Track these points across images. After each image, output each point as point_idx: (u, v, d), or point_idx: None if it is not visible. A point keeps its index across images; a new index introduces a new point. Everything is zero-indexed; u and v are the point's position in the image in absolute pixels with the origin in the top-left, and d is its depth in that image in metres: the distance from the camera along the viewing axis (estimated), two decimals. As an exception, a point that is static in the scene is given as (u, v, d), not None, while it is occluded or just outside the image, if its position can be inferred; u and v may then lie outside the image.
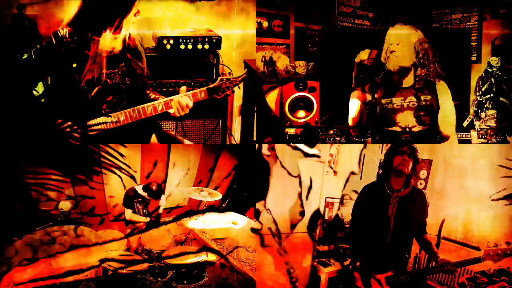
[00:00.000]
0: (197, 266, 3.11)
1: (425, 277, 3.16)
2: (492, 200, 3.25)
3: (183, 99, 2.98)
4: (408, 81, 3.32)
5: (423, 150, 3.29)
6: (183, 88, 3.03)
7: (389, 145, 3.21)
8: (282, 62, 3.86)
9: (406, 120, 3.32)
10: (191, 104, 3.00)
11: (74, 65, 2.97)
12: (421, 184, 3.35)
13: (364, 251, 3.11)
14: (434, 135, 3.33)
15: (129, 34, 3.08)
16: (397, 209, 3.04)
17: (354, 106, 3.37)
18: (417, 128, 3.32)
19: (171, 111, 3.00)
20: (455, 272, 2.98)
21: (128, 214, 3.39)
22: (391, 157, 3.08)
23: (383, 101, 3.36)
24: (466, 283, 3.11)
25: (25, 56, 3.09)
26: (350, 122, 3.42)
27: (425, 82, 3.30)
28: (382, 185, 3.11)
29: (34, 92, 3.16)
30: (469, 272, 3.14)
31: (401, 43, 3.29)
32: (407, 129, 3.33)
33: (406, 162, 3.04)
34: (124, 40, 3.06)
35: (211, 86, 3.04)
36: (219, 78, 3.06)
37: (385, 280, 3.00)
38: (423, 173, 3.38)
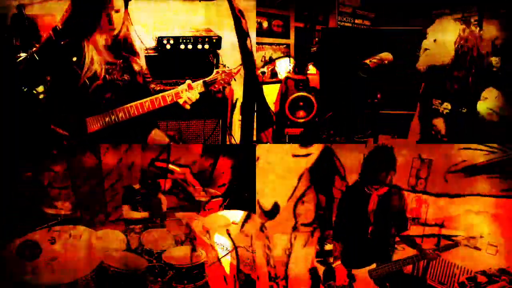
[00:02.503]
0: (197, 266, 3.11)
1: (406, 266, 3.17)
2: (450, 172, 3.22)
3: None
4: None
5: (423, 150, 3.31)
6: (188, 81, 3.07)
7: (369, 152, 3.23)
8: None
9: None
10: (197, 93, 3.05)
11: (74, 58, 2.97)
12: (421, 183, 3.36)
13: (348, 247, 3.20)
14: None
15: (125, 31, 3.08)
16: (377, 206, 3.14)
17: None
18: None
19: (180, 101, 3.04)
20: (438, 257, 3.07)
21: (127, 211, 3.39)
22: (377, 172, 3.16)
23: None
24: (466, 282, 3.13)
25: (25, 56, 3.10)
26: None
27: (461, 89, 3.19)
28: (362, 187, 3.19)
29: (34, 92, 3.17)
30: (469, 272, 3.15)
31: (439, 38, 3.14)
32: None
33: (389, 175, 3.15)
34: (119, 38, 3.07)
35: (207, 79, 3.07)
36: (215, 71, 3.09)
37: (368, 273, 3.10)
38: (423, 173, 3.38)
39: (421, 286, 3.24)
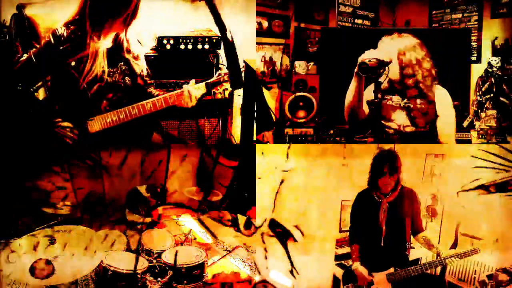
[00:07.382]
0: (197, 266, 3.10)
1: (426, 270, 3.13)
2: (464, 190, 3.25)
3: (193, 90, 3.13)
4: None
5: (423, 149, 3.31)
6: (192, 81, 3.16)
7: (374, 157, 3.24)
8: (282, 62, 3.86)
9: (400, 119, 3.37)
10: (199, 95, 3.13)
11: (73, 63, 3.00)
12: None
13: (363, 252, 3.18)
14: (430, 139, 3.37)
15: (128, 34, 3.11)
16: (388, 213, 3.13)
17: (349, 95, 3.42)
18: (409, 129, 3.36)
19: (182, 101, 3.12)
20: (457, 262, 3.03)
21: (130, 214, 3.38)
22: (376, 179, 3.18)
23: (386, 96, 3.41)
24: (486, 280, 3.07)
25: (25, 56, 3.11)
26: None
27: (420, 89, 3.35)
28: (371, 193, 3.20)
29: (34, 91, 3.17)
30: (489, 269, 3.10)
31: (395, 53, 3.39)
32: (401, 128, 3.38)
33: (389, 182, 3.14)
34: (122, 41, 3.09)
35: (210, 80, 3.13)
36: (217, 73, 3.15)
37: (386, 277, 3.06)
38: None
39: (440, 284, 3.18)
